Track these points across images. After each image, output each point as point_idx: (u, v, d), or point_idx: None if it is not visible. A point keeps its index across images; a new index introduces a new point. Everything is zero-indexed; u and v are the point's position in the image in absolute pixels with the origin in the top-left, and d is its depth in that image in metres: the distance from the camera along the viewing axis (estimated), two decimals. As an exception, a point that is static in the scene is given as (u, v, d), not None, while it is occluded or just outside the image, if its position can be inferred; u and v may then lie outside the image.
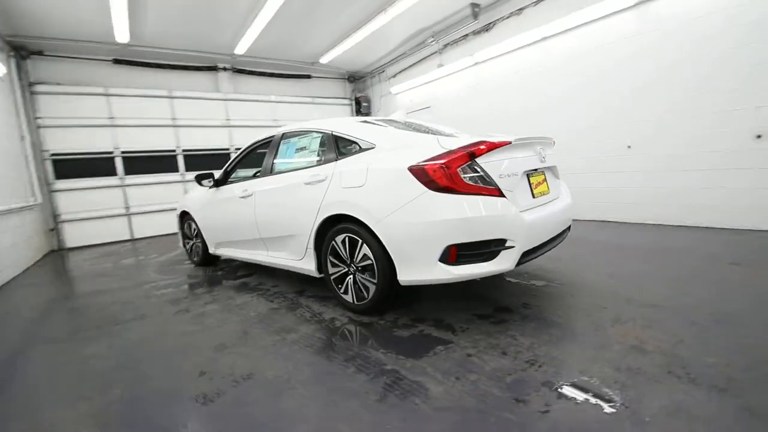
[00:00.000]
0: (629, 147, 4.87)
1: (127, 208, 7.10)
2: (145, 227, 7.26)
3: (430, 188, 2.08)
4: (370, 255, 2.34)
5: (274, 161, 3.23)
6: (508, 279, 3.02)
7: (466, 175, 2.08)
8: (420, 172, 2.11)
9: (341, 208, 2.45)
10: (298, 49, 7.62)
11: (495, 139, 2.19)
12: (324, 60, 8.11)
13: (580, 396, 1.52)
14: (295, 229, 2.87)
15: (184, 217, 4.49)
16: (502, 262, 2.09)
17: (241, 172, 4.00)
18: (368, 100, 9.87)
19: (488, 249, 2.07)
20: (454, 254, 2.06)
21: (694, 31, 4.14)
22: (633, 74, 4.70)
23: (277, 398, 1.67)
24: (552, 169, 2.72)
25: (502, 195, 2.11)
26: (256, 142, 3.65)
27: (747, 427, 1.29)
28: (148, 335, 2.51)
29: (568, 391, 1.55)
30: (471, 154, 2.09)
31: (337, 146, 2.69)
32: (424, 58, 7.80)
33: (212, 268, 4.32)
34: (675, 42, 4.29)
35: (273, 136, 3.39)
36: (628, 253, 3.55)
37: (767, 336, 1.88)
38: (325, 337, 2.26)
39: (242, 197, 3.39)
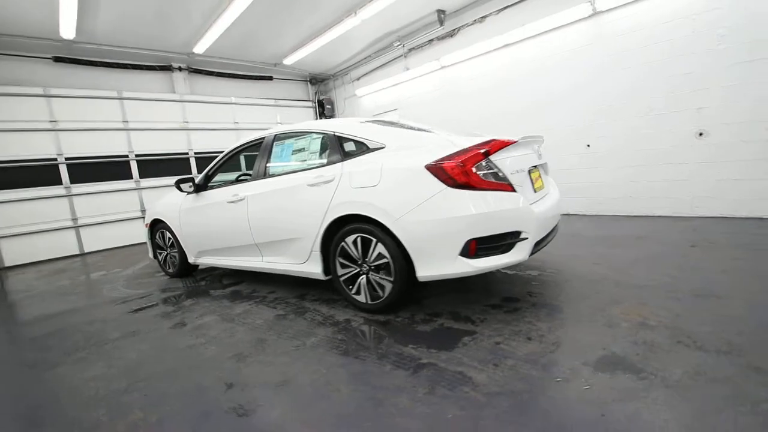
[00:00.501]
0: (588, 146, 5.32)
1: (75, 219, 6.44)
2: (97, 240, 6.63)
3: (448, 185, 2.15)
4: (386, 254, 2.36)
5: (268, 164, 3.13)
6: (504, 271, 3.18)
7: (481, 172, 2.18)
8: (438, 170, 2.18)
9: (353, 209, 2.44)
10: (261, 50, 7.40)
11: (504, 138, 2.31)
12: (288, 61, 7.94)
13: (612, 370, 1.66)
14: (297, 233, 2.81)
15: (156, 225, 4.19)
16: (518, 253, 2.21)
17: (220, 177, 3.83)
18: (331, 103, 9.81)
19: (505, 241, 2.18)
20: (474, 248, 2.15)
21: (643, 42, 4.63)
22: (592, 79, 5.14)
23: (325, 400, 1.64)
24: (544, 165, 2.92)
25: (513, 190, 2.24)
26: (241, 145, 3.51)
27: (759, 381, 1.49)
28: (148, 352, 2.32)
29: (600, 367, 1.69)
30: (486, 151, 2.20)
31: (341, 147, 2.68)
32: (390, 61, 7.93)
33: (190, 279, 4.07)
34: (627, 51, 4.77)
35: (263, 138, 3.28)
36: (599, 242, 3.88)
37: (740, 305, 2.17)
38: (348, 338, 2.24)
39: (231, 202, 3.24)
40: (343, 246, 2.57)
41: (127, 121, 6.91)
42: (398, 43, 7.22)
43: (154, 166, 7.23)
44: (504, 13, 5.93)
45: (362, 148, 2.59)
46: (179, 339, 2.47)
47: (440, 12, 6.30)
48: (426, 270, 2.25)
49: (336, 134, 2.73)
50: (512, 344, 1.98)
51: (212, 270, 4.32)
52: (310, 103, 9.75)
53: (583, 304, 2.40)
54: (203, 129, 7.86)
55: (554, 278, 2.92)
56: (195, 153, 7.76)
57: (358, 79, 8.88)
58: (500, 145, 2.25)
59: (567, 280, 2.84)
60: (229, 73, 8.22)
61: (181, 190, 3.65)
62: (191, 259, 3.86)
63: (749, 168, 4.11)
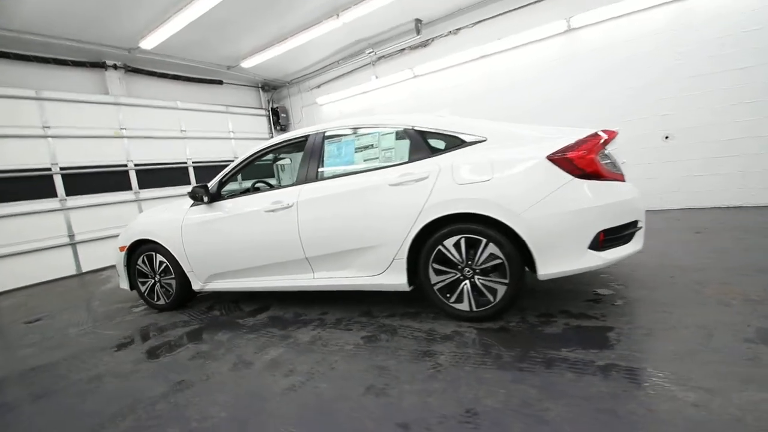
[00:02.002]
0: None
1: (-24, 252, 4.92)
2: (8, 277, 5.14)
3: (575, 176, 2.06)
4: (500, 254, 2.17)
5: (321, 166, 2.72)
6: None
7: (604, 162, 2.14)
8: (563, 161, 2.08)
9: (459, 207, 2.21)
10: (217, 50, 6.65)
11: (610, 129, 2.32)
12: (247, 64, 7.26)
13: (788, 344, 1.70)
14: (374, 240, 2.46)
15: (137, 248, 3.36)
16: (637, 243, 2.21)
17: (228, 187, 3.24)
18: (286, 111, 9.24)
19: (627, 231, 2.16)
20: (602, 240, 2.09)
21: (617, 54, 5.21)
22: (568, 93, 5.61)
23: (550, 426, 1.38)
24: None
25: (624, 179, 2.25)
26: (271, 146, 3.01)
27: None
28: (237, 405, 1.77)
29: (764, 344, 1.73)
30: (604, 141, 2.17)
31: (426, 142, 2.44)
32: (357, 69, 7.75)
33: (188, 311, 3.32)
34: (603, 63, 5.31)
35: (305, 137, 2.85)
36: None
37: (804, 276, 2.45)
38: (482, 351, 1.98)
39: (271, 211, 2.74)
40: (439, 250, 2.31)
41: (48, 127, 5.57)
42: (370, 50, 7.09)
43: (84, 180, 5.92)
44: (479, 27, 6.21)
45: (455, 142, 2.38)
46: (263, 382, 1.94)
47: (418, 21, 6.35)
48: (550, 267, 2.12)
49: (416, 129, 2.48)
50: (661, 333, 1.94)
51: (208, 298, 3.60)
52: (263, 111, 9.04)
53: (673, 290, 2.49)
54: (144, 137, 6.72)
55: (613, 268, 3.01)
56: (135, 165, 6.58)
57: (319, 86, 8.50)
58: (613, 135, 2.24)
59: (631, 270, 2.94)
60: (174, 75, 7.22)
61: (198, 199, 2.99)
62: (197, 286, 3.16)
63: (705, 165, 4.84)
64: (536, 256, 2.12)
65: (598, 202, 2.06)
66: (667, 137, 5.00)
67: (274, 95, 9.27)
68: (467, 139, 2.34)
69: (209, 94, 7.92)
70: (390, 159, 2.53)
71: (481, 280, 2.27)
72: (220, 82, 8.03)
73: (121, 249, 3.43)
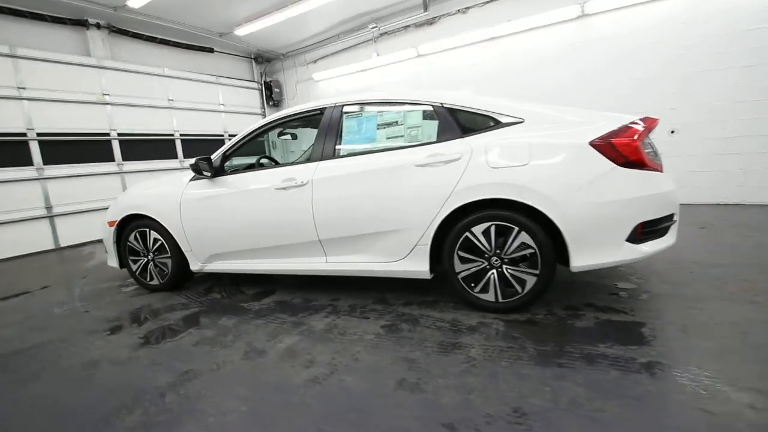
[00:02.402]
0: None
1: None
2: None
3: (618, 164, 1.95)
4: (531, 243, 2.07)
5: (339, 142, 2.52)
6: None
7: (646, 150, 2.03)
8: (606, 147, 1.96)
9: (493, 192, 2.08)
10: (211, 14, 6.21)
11: (649, 116, 2.21)
12: (241, 32, 6.83)
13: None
14: (397, 223, 2.31)
15: (128, 224, 3.12)
16: (671, 237, 2.14)
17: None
18: (280, 86, 8.84)
19: (664, 224, 2.08)
20: (640, 232, 2.00)
21: (624, 44, 5.10)
22: (581, 78, 5.49)
23: (605, 426, 1.29)
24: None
25: (662, 170, 2.15)
26: (277, 120, 2.79)
27: None
28: (258, 400, 1.62)
29: (815, 343, 1.69)
30: (647, 128, 2.06)
31: (457, 120, 2.28)
32: (357, 44, 7.42)
33: (185, 292, 3.12)
34: (612, 52, 5.20)
35: (320, 111, 2.65)
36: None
37: (823, 275, 2.45)
38: (514, 345, 1.88)
39: (282, 189, 2.54)
40: (467, 237, 2.19)
41: (23, 88, 5.11)
42: (373, 25, 6.77)
43: (64, 149, 5.51)
44: (489, 7, 5.99)
45: (489, 122, 2.22)
46: (282, 373, 1.80)
47: (426, -4, 6.07)
48: (584, 259, 2.02)
49: (446, 106, 2.31)
50: (695, 330, 1.89)
51: (205, 279, 3.40)
52: (255, 84, 8.62)
53: (695, 285, 2.45)
54: (129, 105, 6.28)
55: (645, 263, 2.95)
56: (119, 134, 6.16)
57: (316, 62, 8.14)
58: (654, 123, 2.14)
59: (647, 264, 2.90)
60: (162, 39, 6.74)
61: (201, 173, 2.75)
62: (196, 266, 2.95)
63: (706, 161, 4.86)
64: (571, 247, 2.02)
65: (640, 193, 1.96)
66: (672, 132, 4.98)
67: (267, 68, 8.83)
68: (503, 120, 2.19)
69: (198, 63, 7.46)
70: (416, 138, 2.36)
71: (509, 270, 2.16)
72: (211, 50, 7.56)
73: (111, 224, 3.17)
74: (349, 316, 2.39)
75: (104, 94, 5.99)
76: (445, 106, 2.31)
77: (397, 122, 2.42)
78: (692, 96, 4.78)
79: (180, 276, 3.09)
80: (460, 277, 2.26)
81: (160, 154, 6.74)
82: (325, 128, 2.58)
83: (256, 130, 2.84)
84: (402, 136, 2.39)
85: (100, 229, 3.33)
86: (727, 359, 1.63)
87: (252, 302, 2.76)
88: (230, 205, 2.73)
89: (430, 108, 2.35)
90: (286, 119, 2.81)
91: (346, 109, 2.57)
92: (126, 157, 6.25)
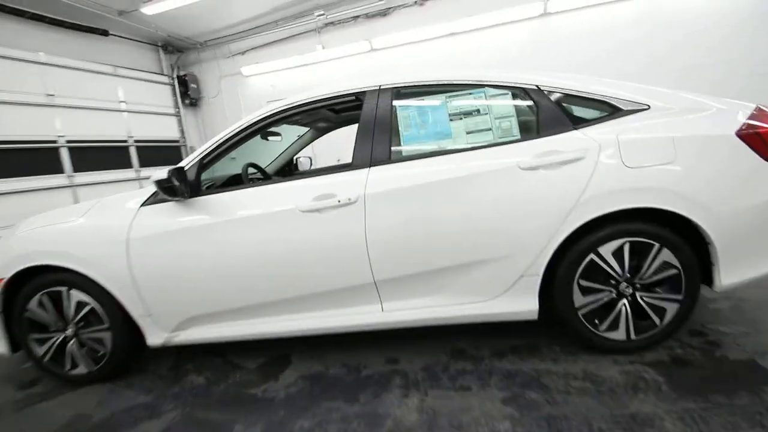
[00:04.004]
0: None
1: None
2: None
3: (765, 158, 1.61)
4: (675, 262, 1.63)
5: (396, 141, 1.78)
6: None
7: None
8: (755, 139, 1.58)
9: (634, 199, 1.58)
10: (108, -17, 4.74)
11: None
12: (149, 10, 5.38)
13: None
14: (496, 249, 1.67)
15: (24, 284, 1.91)
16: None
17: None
18: (197, 81, 7.38)
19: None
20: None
21: (584, 44, 5.18)
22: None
23: None
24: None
25: None
26: (281, 111, 1.94)
27: None
28: None
29: None
30: (774, 116, 1.76)
31: (562, 108, 1.73)
32: (297, 35, 6.49)
33: (131, 381, 2.03)
34: (574, 55, 5.25)
35: (356, 99, 1.88)
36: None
37: None
38: (710, 404, 1.39)
39: (313, 211, 1.71)
40: (591, 260, 1.65)
41: None
42: (320, 12, 5.94)
43: None
44: (448, 1, 5.65)
45: (606, 110, 1.72)
46: None
47: (382, -17, 5.48)
48: (735, 274, 1.64)
49: (543, 89, 1.74)
50: None
51: (165, 354, 2.27)
52: (165, 78, 7.03)
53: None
54: (-17, 100, 4.45)
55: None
56: (-31, 142, 4.31)
57: (244, 53, 6.95)
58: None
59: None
60: (35, 14, 4.95)
61: (173, 194, 1.72)
62: (158, 338, 1.91)
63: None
64: (721, 261, 1.62)
65: (795, 192, 1.64)
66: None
67: (180, 60, 7.29)
68: (624, 106, 1.71)
69: (89, 49, 5.73)
70: (509, 132, 1.74)
71: (645, 298, 1.69)
72: (105, 33, 5.88)
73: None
74: (435, 387, 1.66)
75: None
76: (542, 89, 1.75)
77: (478, 111, 1.77)
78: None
79: (126, 356, 1.99)
80: (581, 313, 1.71)
81: (39, 167, 4.92)
82: (370, 121, 1.80)
83: (249, 125, 1.92)
84: (489, 129, 1.75)
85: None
86: None
87: (265, 384, 1.84)
88: (223, 239, 1.77)
89: (522, 92, 1.76)
90: (294, 110, 1.97)
91: (399, 90, 1.84)
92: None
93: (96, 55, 5.82)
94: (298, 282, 1.79)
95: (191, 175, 1.80)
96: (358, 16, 6.08)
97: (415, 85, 1.84)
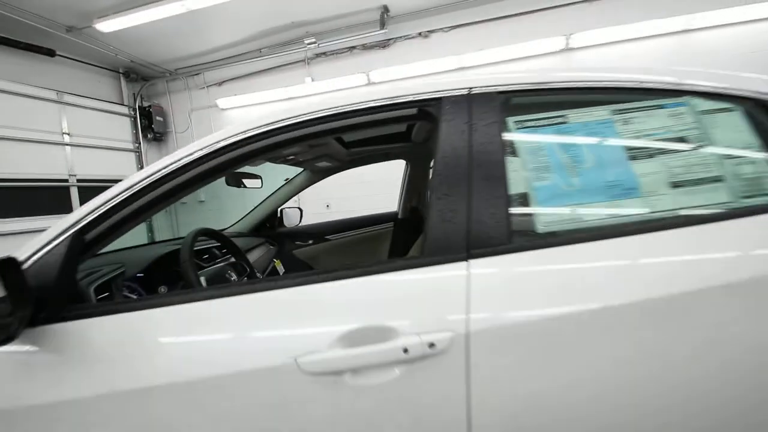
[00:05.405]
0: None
1: None
2: None
3: None
4: None
5: (518, 201, 0.83)
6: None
7: None
8: None
9: None
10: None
11: None
12: (104, 27, 4.48)
13: None
14: None
15: None
16: None
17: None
18: (164, 114, 6.42)
19: None
20: None
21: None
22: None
23: None
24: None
25: None
26: (267, 134, 1.02)
27: None
28: None
29: None
30: None
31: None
32: (283, 65, 5.73)
33: None
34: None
35: (425, 111, 0.95)
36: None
37: None
38: None
39: (337, 373, 0.70)
40: None
41: None
42: (310, 40, 5.21)
43: None
44: (455, 33, 5.08)
45: None
46: None
47: (385, 10, 4.85)
48: None
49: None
50: None
51: None
52: (125, 109, 6.03)
53: None
54: None
55: None
56: None
57: (220, 84, 6.10)
58: None
59: None
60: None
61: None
62: None
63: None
64: None
65: None
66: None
67: (145, 89, 6.35)
68: None
69: (29, 69, 4.72)
70: (759, 185, 0.83)
71: None
72: (51, 53, 4.90)
73: None
74: None
75: None
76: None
77: (684, 138, 0.86)
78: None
79: None
80: None
81: None
82: (453, 157, 0.86)
83: (201, 157, 0.95)
84: (719, 178, 0.83)
85: None
86: None
87: None
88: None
89: (751, 103, 0.88)
90: (291, 133, 1.02)
91: (513, 104, 0.91)
92: None
93: (37, 78, 4.80)
94: None
95: (45, 275, 0.77)
96: (354, 47, 5.41)
97: (545, 89, 0.92)
